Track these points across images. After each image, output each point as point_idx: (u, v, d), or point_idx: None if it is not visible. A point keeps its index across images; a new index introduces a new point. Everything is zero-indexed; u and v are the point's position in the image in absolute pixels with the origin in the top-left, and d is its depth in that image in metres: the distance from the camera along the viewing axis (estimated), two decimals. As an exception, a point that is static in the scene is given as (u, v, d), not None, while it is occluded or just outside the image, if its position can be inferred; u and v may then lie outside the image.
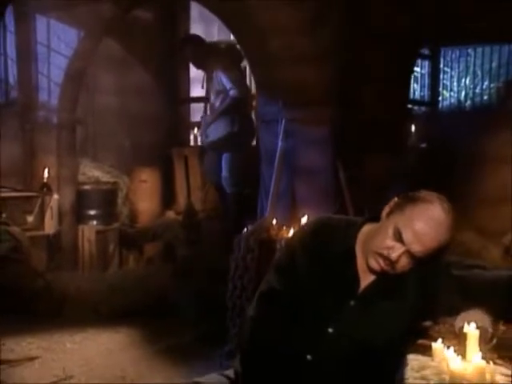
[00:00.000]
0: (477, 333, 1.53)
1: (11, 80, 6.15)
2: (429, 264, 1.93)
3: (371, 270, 1.97)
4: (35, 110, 6.13)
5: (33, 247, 5.78)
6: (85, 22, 5.72)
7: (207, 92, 6.52)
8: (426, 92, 7.59)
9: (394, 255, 1.89)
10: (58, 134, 6.02)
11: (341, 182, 4.30)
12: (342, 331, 1.94)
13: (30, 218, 5.87)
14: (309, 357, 1.94)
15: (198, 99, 7.68)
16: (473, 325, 1.56)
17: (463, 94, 7.50)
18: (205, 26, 8.48)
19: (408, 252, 1.89)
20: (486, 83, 7.37)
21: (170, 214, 6.89)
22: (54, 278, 5.53)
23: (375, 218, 2.04)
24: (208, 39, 7.71)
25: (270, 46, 4.28)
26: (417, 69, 7.69)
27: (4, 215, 5.62)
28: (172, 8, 7.50)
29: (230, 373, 2.13)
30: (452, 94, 7.57)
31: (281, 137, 4.49)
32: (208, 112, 6.60)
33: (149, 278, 5.78)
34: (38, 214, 5.89)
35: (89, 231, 6.19)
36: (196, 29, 7.98)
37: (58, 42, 5.88)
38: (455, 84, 7.53)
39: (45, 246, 5.97)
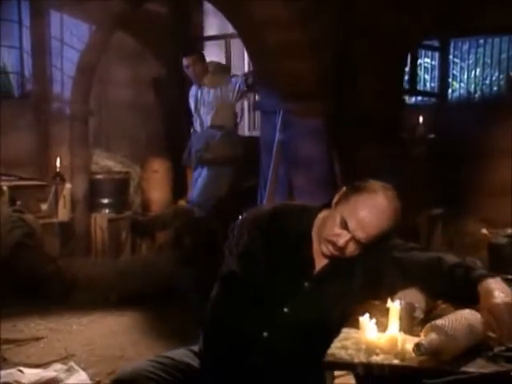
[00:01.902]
0: (397, 308, 1.66)
1: (26, 73, 6.37)
2: (375, 248, 2.07)
3: (324, 255, 2.12)
4: (49, 101, 6.33)
5: (46, 234, 6.01)
6: (95, 17, 5.91)
7: (195, 108, 6.26)
8: (436, 83, 7.65)
9: (340, 242, 2.03)
10: (71, 125, 6.23)
11: (336, 172, 4.43)
12: (297, 310, 2.09)
13: (44, 206, 6.07)
14: (265, 334, 2.09)
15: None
16: (397, 301, 1.70)
17: (473, 85, 7.53)
18: (220, 19, 8.61)
19: (354, 239, 2.03)
20: (495, 74, 7.39)
21: (182, 203, 7.07)
22: (65, 263, 5.76)
23: (331, 205, 2.18)
24: (222, 32, 7.87)
25: (266, 39, 4.40)
26: (427, 60, 7.75)
27: (19, 203, 5.84)
28: (186, 1, 7.64)
29: (196, 348, 2.30)
30: (462, 85, 7.60)
31: (278, 128, 4.62)
32: (197, 128, 6.28)
33: (157, 265, 5.97)
34: (52, 203, 6.09)
35: (101, 219, 6.40)
36: (210, 22, 8.11)
37: (71, 36, 6.07)
38: (465, 75, 7.57)
39: (58, 233, 6.20)
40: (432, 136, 7.06)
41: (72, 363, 2.56)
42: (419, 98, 7.81)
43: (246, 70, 6.66)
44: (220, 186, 5.98)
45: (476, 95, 7.52)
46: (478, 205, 6.78)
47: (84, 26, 6.08)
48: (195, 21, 7.83)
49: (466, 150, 6.80)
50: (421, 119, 6.93)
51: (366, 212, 2.03)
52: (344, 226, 2.03)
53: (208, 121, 5.99)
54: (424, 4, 4.79)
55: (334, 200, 2.13)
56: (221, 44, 7.86)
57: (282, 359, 2.10)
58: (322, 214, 2.18)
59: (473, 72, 7.51)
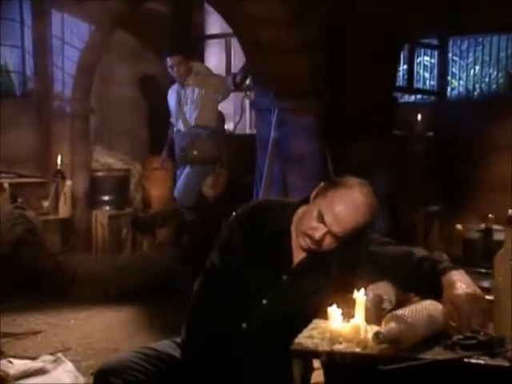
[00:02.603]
0: (363, 299, 1.73)
1: (28, 72, 6.47)
2: (351, 242, 2.14)
3: (302, 248, 2.18)
4: (51, 100, 6.42)
5: (47, 230, 6.11)
6: (95, 17, 6.00)
7: (178, 107, 6.07)
8: (435, 81, 7.69)
9: (317, 235, 2.09)
10: (72, 123, 6.33)
11: (328, 168, 4.50)
12: (275, 302, 2.15)
13: (46, 203, 6.18)
14: (244, 325, 2.16)
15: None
16: (362, 292, 1.76)
17: (472, 83, 7.56)
18: (221, 18, 8.66)
19: (330, 232, 2.09)
20: (494, 73, 7.43)
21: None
22: (65, 259, 5.85)
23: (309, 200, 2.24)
24: (224, 31, 7.92)
25: (260, 38, 4.47)
26: (427, 58, 7.79)
27: (20, 200, 5.94)
28: (187, 0, 7.70)
29: (179, 339, 2.37)
30: (461, 83, 7.64)
31: (273, 126, 4.69)
32: (180, 127, 6.06)
33: (156, 262, 6.07)
34: (53, 199, 6.19)
35: (102, 216, 6.49)
36: (211, 20, 8.18)
37: (71, 35, 6.16)
38: (464, 73, 7.61)
39: (59, 230, 6.30)
40: (431, 134, 7.12)
41: (59, 354, 2.63)
42: (418, 95, 7.85)
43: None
44: (202, 184, 6.03)
45: (475, 93, 7.56)
46: (476, 202, 6.81)
47: (84, 26, 6.17)
48: (196, 20, 7.89)
49: (464, 148, 6.83)
50: (419, 117, 6.98)
51: (342, 207, 2.09)
52: (321, 219, 2.09)
53: (192, 120, 5.92)
54: (415, 2, 4.84)
55: (312, 195, 2.19)
56: (222, 43, 7.92)
57: (261, 350, 2.16)
58: (301, 209, 2.24)
59: (472, 70, 7.55)
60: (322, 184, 2.20)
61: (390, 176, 5.00)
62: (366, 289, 1.97)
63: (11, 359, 2.56)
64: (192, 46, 7.71)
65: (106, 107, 6.99)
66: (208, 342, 2.19)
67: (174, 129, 6.14)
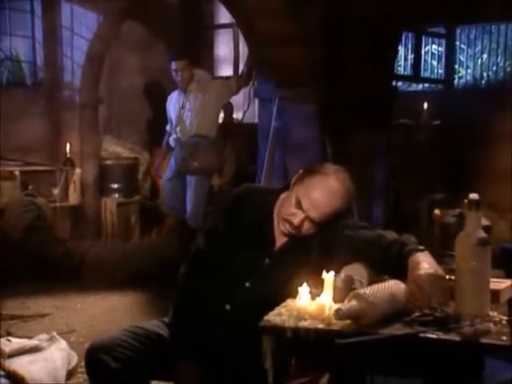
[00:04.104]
0: (331, 279, 1.82)
1: (38, 62, 6.61)
2: (328, 227, 2.22)
3: (283, 233, 2.27)
4: (60, 89, 6.56)
5: (57, 217, 6.26)
6: (103, 7, 6.10)
7: (178, 115, 5.85)
8: (443, 70, 7.71)
9: (295, 221, 2.18)
10: (81, 112, 6.45)
11: (328, 157, 4.57)
12: (257, 285, 2.24)
13: (56, 191, 6.32)
14: (228, 307, 2.26)
15: (224, 78, 7.90)
16: (331, 273, 1.85)
17: (479, 71, 7.57)
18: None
19: (308, 218, 2.18)
20: (502, 61, 7.43)
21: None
22: (74, 246, 6.00)
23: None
24: (233, 20, 7.97)
25: (259, 27, 4.53)
26: (435, 46, 7.80)
27: (30, 187, 6.10)
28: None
29: (167, 319, 2.47)
30: (469, 71, 7.65)
31: (274, 115, 4.77)
32: (179, 135, 5.82)
33: (162, 249, 6.17)
34: (63, 187, 6.34)
35: (111, 203, 6.61)
36: (220, 9, 8.24)
37: (80, 26, 6.28)
38: (472, 62, 7.61)
39: (69, 217, 6.45)
40: (437, 122, 7.15)
41: (54, 333, 2.75)
42: (426, 84, 7.87)
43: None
44: (206, 195, 5.85)
45: (482, 82, 7.56)
46: (481, 190, 6.80)
47: (93, 16, 6.28)
48: (205, 9, 7.95)
49: (470, 137, 6.86)
50: (425, 106, 7.01)
51: (319, 193, 2.17)
52: (299, 206, 2.17)
53: (193, 128, 5.71)
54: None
55: (292, 182, 2.28)
56: (231, 32, 7.97)
57: (244, 330, 2.25)
58: (282, 196, 2.32)
59: (480, 59, 7.55)
60: (301, 171, 2.28)
61: (390, 164, 5.06)
62: (341, 270, 2.07)
63: (10, 338, 2.68)
64: (201, 36, 7.79)
65: (115, 97, 7.10)
66: (193, 323, 2.27)
67: (172, 137, 5.94)
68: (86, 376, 2.45)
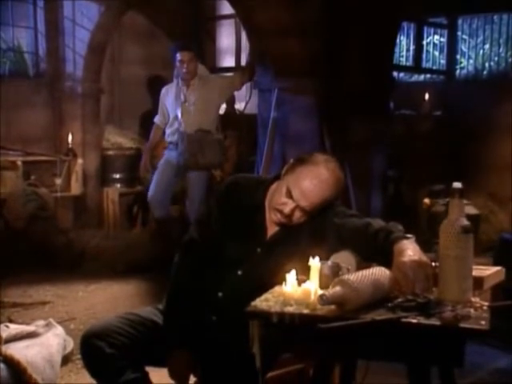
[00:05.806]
0: (317, 266, 1.85)
1: (41, 53, 6.65)
2: (319, 215, 2.26)
3: (274, 222, 2.31)
4: (62, 80, 6.60)
5: (60, 207, 6.32)
6: (104, -2, 6.15)
7: (180, 109, 5.59)
8: (445, 60, 7.71)
9: (286, 210, 2.22)
10: (83, 102, 6.50)
11: (326, 147, 4.60)
12: (249, 273, 2.28)
13: (58, 181, 6.37)
14: (220, 294, 2.30)
15: (226, 69, 7.92)
16: (317, 259, 1.89)
17: (481, 62, 7.57)
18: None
19: (298, 207, 2.21)
20: (504, 52, 7.43)
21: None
22: (76, 235, 6.06)
23: (281, 177, 2.36)
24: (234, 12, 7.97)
25: (258, 18, 4.54)
26: (437, 37, 7.80)
27: (33, 177, 6.14)
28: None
29: (161, 306, 2.51)
30: (470, 62, 7.65)
31: (273, 106, 4.81)
32: (181, 129, 5.56)
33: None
34: (65, 177, 6.38)
35: (113, 193, 6.67)
36: (222, 1, 8.24)
37: (82, 16, 6.30)
38: (474, 52, 7.61)
39: (71, 207, 6.51)
40: (438, 113, 7.16)
41: (51, 319, 2.80)
42: (428, 75, 7.87)
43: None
44: (206, 189, 5.75)
45: (484, 72, 7.56)
46: (482, 181, 6.84)
47: (94, 7, 6.30)
48: (207, 0, 7.95)
49: (472, 127, 6.87)
50: (427, 96, 7.03)
51: (308, 182, 2.20)
52: (289, 195, 2.21)
53: (196, 123, 5.52)
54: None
55: (283, 172, 2.31)
56: (233, 23, 7.98)
57: (235, 317, 2.30)
58: (273, 185, 2.36)
59: (481, 49, 7.55)
60: (291, 161, 2.32)
61: (388, 154, 5.08)
62: (330, 258, 2.11)
63: (8, 324, 2.74)
64: (203, 27, 7.80)
65: (116, 87, 7.13)
66: (186, 311, 2.31)
67: (169, 131, 5.70)
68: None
